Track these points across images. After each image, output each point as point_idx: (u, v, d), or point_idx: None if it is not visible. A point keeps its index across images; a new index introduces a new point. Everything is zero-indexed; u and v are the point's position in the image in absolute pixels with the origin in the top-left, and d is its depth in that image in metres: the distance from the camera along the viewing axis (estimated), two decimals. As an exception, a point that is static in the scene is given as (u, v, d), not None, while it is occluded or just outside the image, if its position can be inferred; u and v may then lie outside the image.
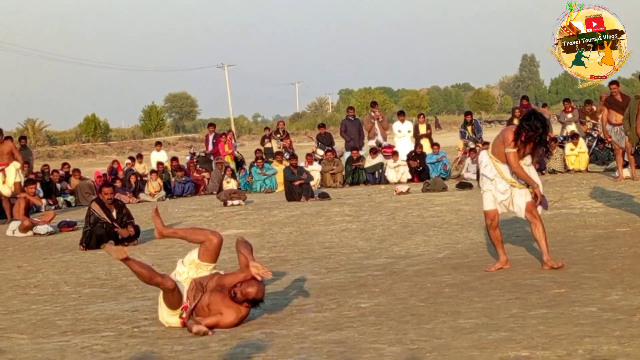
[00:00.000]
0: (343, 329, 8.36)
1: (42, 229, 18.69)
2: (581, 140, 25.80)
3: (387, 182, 26.93)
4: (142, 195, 26.81)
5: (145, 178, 28.05)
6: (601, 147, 25.21)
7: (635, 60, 8.99)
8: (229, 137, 31.79)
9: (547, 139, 10.70)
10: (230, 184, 26.52)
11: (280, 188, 25.60)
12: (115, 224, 16.05)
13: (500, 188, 10.69)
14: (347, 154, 28.41)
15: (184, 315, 8.69)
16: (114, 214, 16.18)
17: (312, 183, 24.69)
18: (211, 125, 34.08)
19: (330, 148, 29.17)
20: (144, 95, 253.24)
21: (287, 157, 26.85)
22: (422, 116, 31.89)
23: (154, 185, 27.20)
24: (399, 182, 26.17)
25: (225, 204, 22.27)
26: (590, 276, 10.15)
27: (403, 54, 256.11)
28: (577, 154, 25.19)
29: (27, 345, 8.53)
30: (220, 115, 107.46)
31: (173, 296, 8.68)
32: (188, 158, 31.87)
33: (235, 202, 22.38)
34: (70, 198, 26.55)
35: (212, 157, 30.39)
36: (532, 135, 10.26)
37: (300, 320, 8.88)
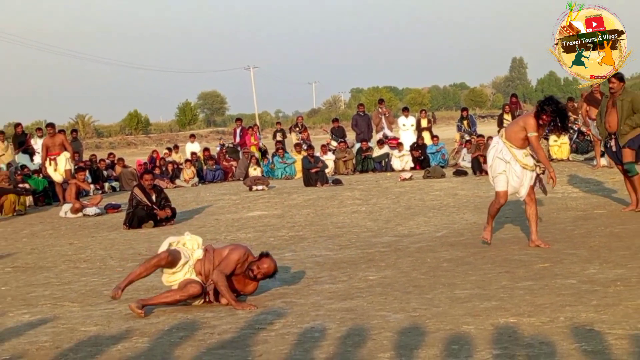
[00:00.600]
0: (354, 298, 8.37)
1: (90, 210, 18.77)
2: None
3: (392, 169, 26.87)
4: (178, 182, 26.84)
5: (181, 166, 28.06)
6: (581, 138, 25.05)
7: (636, 60, 8.72)
8: (254, 130, 31.77)
9: (567, 122, 10.58)
10: (255, 171, 26.51)
11: (299, 175, 25.57)
12: (155, 207, 16.08)
13: (517, 170, 10.54)
14: (357, 145, 28.37)
15: (209, 293, 8.58)
16: (154, 197, 16.21)
17: (326, 170, 24.64)
18: (238, 119, 34.01)
19: (342, 140, 29.18)
20: (179, 94, 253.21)
21: (305, 147, 26.79)
22: (423, 112, 31.92)
23: (188, 172, 27.22)
24: (403, 170, 26.12)
25: (250, 189, 22.28)
26: (571, 252, 10.13)
27: (407, 56, 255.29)
28: (559, 145, 25.02)
29: (78, 312, 8.57)
30: (246, 111, 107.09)
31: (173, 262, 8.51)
32: (218, 149, 31.85)
33: (260, 187, 22.39)
34: (115, 184, 26.62)
35: (239, 148, 30.39)
36: (552, 113, 10.18)
37: (316, 291, 8.89)
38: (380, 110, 30.18)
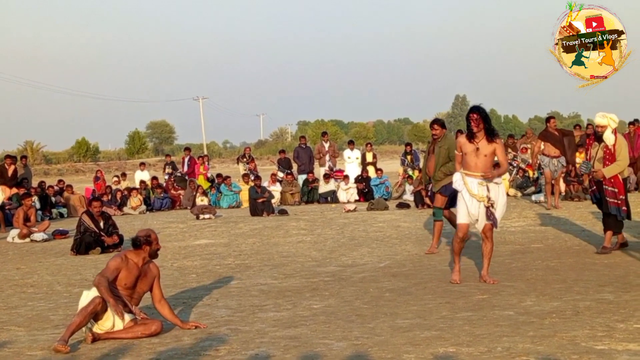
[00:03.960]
0: (298, 326, 8.38)
1: (38, 236, 18.58)
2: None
3: (337, 201, 26.97)
4: (125, 209, 26.66)
5: (128, 194, 27.87)
6: (521, 175, 25.37)
7: (636, 60, 8.69)
8: (204, 160, 31.78)
9: (493, 128, 10.36)
10: (202, 201, 26.44)
11: (245, 205, 25.55)
12: (102, 233, 15.96)
13: (472, 201, 10.28)
14: (303, 177, 28.41)
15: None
16: (102, 224, 16.10)
17: (273, 201, 24.67)
18: (187, 149, 33.93)
19: (289, 171, 29.23)
20: (129, 122, 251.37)
21: (253, 177, 26.81)
22: (369, 145, 32.08)
23: (135, 200, 27.04)
24: (348, 202, 26.22)
25: (197, 218, 22.21)
26: (509, 285, 10.24)
27: (353, 90, 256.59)
28: (509, 181, 25.32)
29: (24, 337, 8.46)
30: (194, 140, 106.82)
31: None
32: (166, 177, 31.74)
33: (207, 215, 22.34)
34: (63, 210, 26.41)
35: (187, 177, 30.30)
36: (471, 118, 10.19)
37: (261, 319, 8.88)
38: (323, 142, 30.30)
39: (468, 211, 10.33)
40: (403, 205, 23.79)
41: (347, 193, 27.22)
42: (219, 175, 29.66)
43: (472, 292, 9.84)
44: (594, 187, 12.74)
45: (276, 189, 27.39)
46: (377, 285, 10.77)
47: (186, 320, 8.73)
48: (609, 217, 12.59)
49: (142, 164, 35.80)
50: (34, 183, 28.52)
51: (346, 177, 27.80)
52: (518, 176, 25.49)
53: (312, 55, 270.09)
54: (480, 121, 10.23)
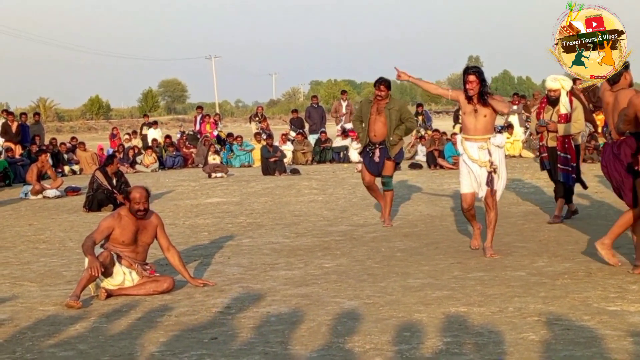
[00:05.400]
0: (309, 285, 8.39)
1: (50, 192, 18.64)
2: (516, 130, 25.94)
3: (349, 161, 26.91)
4: (138, 167, 26.70)
5: (141, 151, 27.91)
6: (534, 136, 25.28)
7: (635, 60, 8.61)
8: (213, 119, 31.76)
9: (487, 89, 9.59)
10: (214, 160, 26.45)
11: (257, 164, 25.55)
12: (115, 191, 16.00)
13: (473, 168, 9.66)
14: (315, 136, 28.34)
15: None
16: (114, 181, 16.14)
17: (285, 160, 24.66)
18: (199, 107, 33.95)
19: (301, 131, 29.15)
20: (141, 81, 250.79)
21: (265, 137, 26.78)
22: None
23: (149, 158, 27.06)
24: (360, 161, 26.14)
25: (209, 176, 22.25)
26: (521, 245, 10.23)
27: (365, 50, 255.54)
28: (512, 142, 25.26)
29: (37, 292, 8.52)
30: (207, 99, 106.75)
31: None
32: (178, 136, 31.74)
33: (219, 174, 22.37)
34: (75, 167, 26.45)
35: (199, 135, 30.29)
36: (468, 80, 9.46)
37: (273, 277, 8.90)
38: (342, 101, 30.16)
39: (470, 179, 9.73)
40: (415, 166, 23.77)
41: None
42: (229, 135, 29.61)
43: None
44: (545, 154, 12.34)
45: (288, 148, 27.35)
46: (388, 245, 10.77)
47: (196, 277, 8.74)
48: (560, 185, 12.21)
49: (155, 122, 35.83)
50: (46, 140, 28.58)
51: (358, 137, 27.71)
52: (531, 137, 25.40)
53: (325, 15, 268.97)
54: (477, 83, 9.47)
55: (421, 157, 25.58)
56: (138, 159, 27.14)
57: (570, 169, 12.03)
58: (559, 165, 12.10)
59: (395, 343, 6.11)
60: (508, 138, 24.96)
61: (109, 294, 8.16)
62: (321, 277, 8.76)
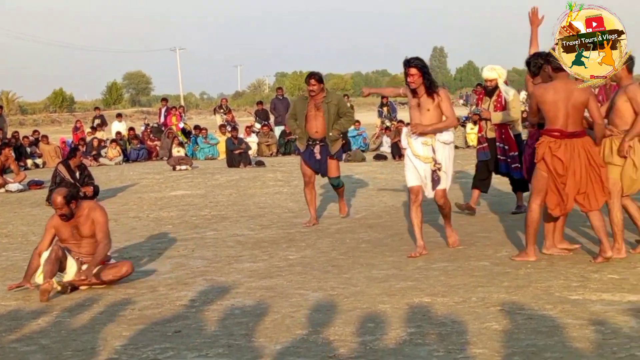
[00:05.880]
0: (273, 277, 8.39)
1: (13, 187, 18.48)
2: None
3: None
4: (101, 160, 26.51)
5: (105, 144, 27.72)
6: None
7: (635, 60, 8.61)
8: (178, 111, 31.59)
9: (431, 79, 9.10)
10: (178, 152, 26.33)
11: (222, 156, 25.48)
12: (78, 184, 15.86)
13: (416, 163, 9.26)
14: (279, 128, 28.28)
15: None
16: (77, 175, 16.00)
17: (250, 152, 24.62)
18: (164, 99, 33.77)
19: (266, 122, 29.10)
20: (105, 73, 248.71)
21: (229, 129, 26.72)
22: (346, 97, 31.98)
23: (113, 151, 26.88)
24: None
25: (174, 169, 22.14)
26: (484, 236, 10.29)
27: (331, 42, 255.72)
28: (476, 132, 25.31)
29: (-2, 287, 8.45)
30: (171, 92, 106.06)
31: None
32: (143, 128, 31.57)
33: (183, 167, 22.27)
34: (38, 160, 26.23)
35: (163, 128, 30.14)
36: (408, 74, 8.99)
37: (237, 269, 8.89)
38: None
39: (416, 173, 9.27)
40: (380, 157, 23.83)
41: (324, 144, 27.16)
42: (196, 127, 29.50)
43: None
44: (485, 144, 12.08)
45: (253, 141, 27.31)
46: (353, 236, 10.78)
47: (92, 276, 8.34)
48: (481, 175, 12.14)
49: (119, 115, 35.64)
50: (9, 134, 28.31)
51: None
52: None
53: (290, 6, 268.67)
54: (418, 76, 9.02)
55: (386, 149, 25.65)
56: (102, 152, 26.96)
57: (509, 159, 11.81)
58: (498, 156, 11.91)
59: (360, 334, 6.12)
60: (472, 128, 25.03)
61: (74, 287, 8.13)
62: (286, 269, 8.76)
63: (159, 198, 16.17)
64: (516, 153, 11.78)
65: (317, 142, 11.92)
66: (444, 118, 9.16)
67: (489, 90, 12.00)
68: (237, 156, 23.10)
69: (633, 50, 8.50)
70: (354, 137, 27.41)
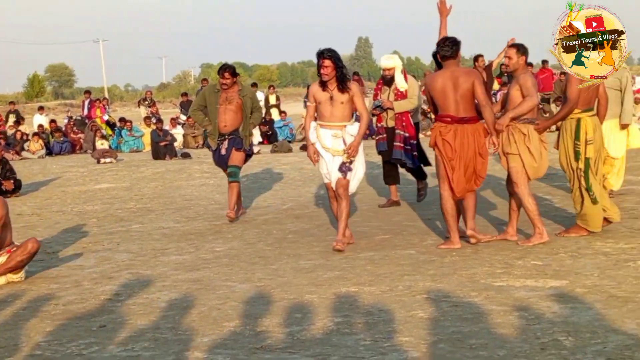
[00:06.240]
0: (200, 269, 8.34)
1: None
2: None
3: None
4: (24, 153, 26.05)
5: (27, 138, 27.25)
6: (422, 118, 25.59)
7: (636, 59, 8.73)
8: (102, 104, 31.20)
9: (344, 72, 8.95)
10: (103, 145, 26.02)
11: (147, 148, 25.25)
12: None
13: (325, 155, 9.20)
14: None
15: None
16: (-1, 169, 15.73)
17: (175, 144, 24.45)
18: (87, 92, 33.37)
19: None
20: (27, 66, 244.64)
21: (154, 121, 26.50)
22: (272, 88, 31.97)
23: (36, 145, 26.43)
24: (252, 144, 26.04)
25: (98, 162, 21.88)
26: (410, 224, 10.36)
27: (256, 33, 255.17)
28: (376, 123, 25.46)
29: None
30: (95, 84, 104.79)
31: None
32: (66, 121, 31.13)
33: (108, 160, 22.03)
34: (-42, 155, 25.69)
35: (87, 121, 29.76)
36: (322, 65, 8.86)
37: (163, 262, 8.81)
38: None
39: (327, 168, 9.19)
40: (306, 148, 23.81)
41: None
42: (120, 120, 29.18)
43: (374, 232, 9.93)
44: (384, 135, 11.95)
45: (178, 132, 27.13)
46: (280, 227, 10.77)
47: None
48: (394, 169, 12.07)
49: (41, 107, 35.08)
50: None
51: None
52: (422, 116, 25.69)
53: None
54: (332, 68, 8.86)
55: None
56: (25, 145, 26.50)
57: (409, 147, 11.76)
58: (396, 143, 11.75)
59: (287, 325, 6.12)
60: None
61: None
62: (212, 261, 8.72)
63: (83, 191, 15.96)
64: (415, 142, 11.81)
65: (226, 136, 11.60)
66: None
67: (388, 79, 11.89)
68: (162, 148, 22.94)
69: (633, 50, 8.61)
70: (280, 127, 27.42)
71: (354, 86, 9.05)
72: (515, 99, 8.69)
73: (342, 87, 8.91)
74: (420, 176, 12.12)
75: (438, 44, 8.89)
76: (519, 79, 8.71)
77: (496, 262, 7.89)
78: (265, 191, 14.63)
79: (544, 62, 29.90)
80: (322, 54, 8.93)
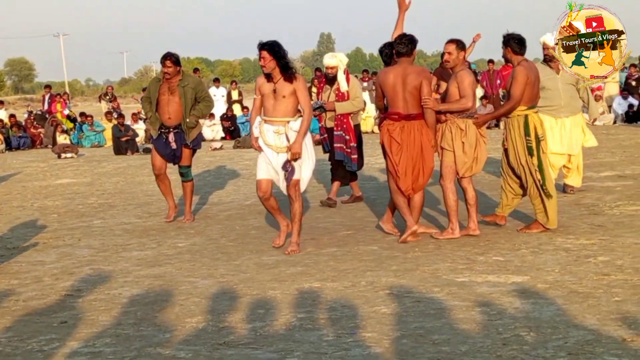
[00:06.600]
0: (162, 265, 8.31)
1: None
2: (368, 106, 26.20)
3: (203, 139, 26.63)
4: (-18, 148, 25.79)
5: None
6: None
7: (635, 60, 8.73)
8: (63, 98, 30.93)
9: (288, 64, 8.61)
10: (65, 140, 25.81)
11: (109, 143, 25.10)
12: (-42, 173, 15.42)
13: (268, 154, 8.82)
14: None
15: None
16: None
17: (137, 139, 24.31)
18: (47, 86, 33.04)
19: (153, 109, 28.73)
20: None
21: (116, 116, 26.33)
22: (234, 83, 31.87)
23: (-6, 139, 26.17)
24: (214, 140, 26.01)
25: (59, 157, 21.72)
26: (373, 220, 10.37)
27: (219, 28, 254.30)
28: (364, 118, 25.53)
29: None
30: (56, 78, 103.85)
31: None
32: (26, 116, 30.82)
33: (69, 155, 21.87)
34: None
35: (47, 115, 29.50)
36: (261, 57, 8.57)
37: (125, 258, 8.76)
38: (197, 79, 29.83)
39: (267, 165, 8.87)
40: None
41: (213, 131, 26.98)
42: (81, 114, 28.94)
43: (337, 229, 9.94)
44: (325, 135, 11.88)
45: (140, 127, 26.96)
46: (243, 222, 10.75)
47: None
48: (338, 167, 11.84)
49: (1, 102, 34.69)
50: None
51: (211, 115, 27.50)
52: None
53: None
54: (270, 60, 8.53)
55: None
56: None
57: (349, 149, 11.63)
58: (336, 144, 11.64)
59: (249, 321, 6.11)
60: (361, 114, 25.12)
61: None
62: (174, 257, 8.68)
63: (43, 187, 15.83)
64: (355, 144, 11.69)
65: (171, 129, 11.00)
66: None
67: (330, 78, 11.72)
68: (124, 143, 22.83)
69: (633, 50, 8.66)
70: (242, 123, 27.34)
71: (299, 80, 8.71)
72: (455, 96, 8.77)
73: (287, 77, 8.61)
74: (348, 181, 11.98)
75: (395, 40, 8.98)
76: (457, 75, 8.78)
77: (458, 258, 7.93)
78: (228, 187, 14.59)
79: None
80: (261, 46, 8.63)
